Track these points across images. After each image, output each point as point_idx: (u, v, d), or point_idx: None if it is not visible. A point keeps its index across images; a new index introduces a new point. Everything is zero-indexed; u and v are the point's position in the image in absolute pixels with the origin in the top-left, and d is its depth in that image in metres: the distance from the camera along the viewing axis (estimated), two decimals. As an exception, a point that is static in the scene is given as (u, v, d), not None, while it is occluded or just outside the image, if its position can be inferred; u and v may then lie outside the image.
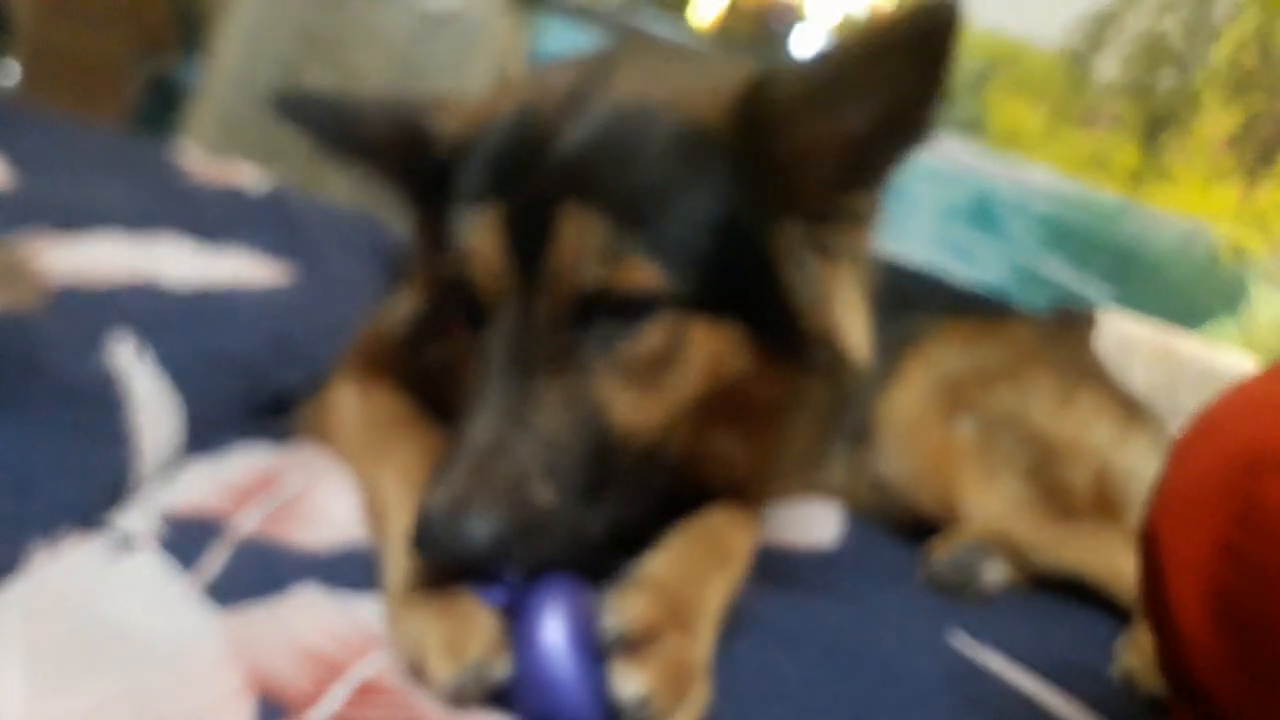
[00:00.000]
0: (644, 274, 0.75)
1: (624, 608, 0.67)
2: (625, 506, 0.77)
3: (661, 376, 0.78)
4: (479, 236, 0.77)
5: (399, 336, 0.94)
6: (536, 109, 0.80)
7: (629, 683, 0.63)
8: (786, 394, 0.87)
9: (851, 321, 0.85)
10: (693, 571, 0.77)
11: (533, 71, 0.94)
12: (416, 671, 0.64)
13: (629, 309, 0.76)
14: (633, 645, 0.65)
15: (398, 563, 0.72)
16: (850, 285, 0.85)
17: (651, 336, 0.76)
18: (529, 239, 0.75)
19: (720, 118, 0.79)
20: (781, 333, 0.82)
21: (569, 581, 0.68)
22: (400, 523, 0.76)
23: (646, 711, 0.62)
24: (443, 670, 0.63)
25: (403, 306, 0.93)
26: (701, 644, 0.72)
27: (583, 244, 0.74)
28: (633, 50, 0.93)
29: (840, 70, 0.77)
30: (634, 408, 0.76)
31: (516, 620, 0.66)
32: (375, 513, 0.81)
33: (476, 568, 0.67)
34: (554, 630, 0.64)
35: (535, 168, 0.77)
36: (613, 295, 0.75)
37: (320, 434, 0.97)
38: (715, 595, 0.78)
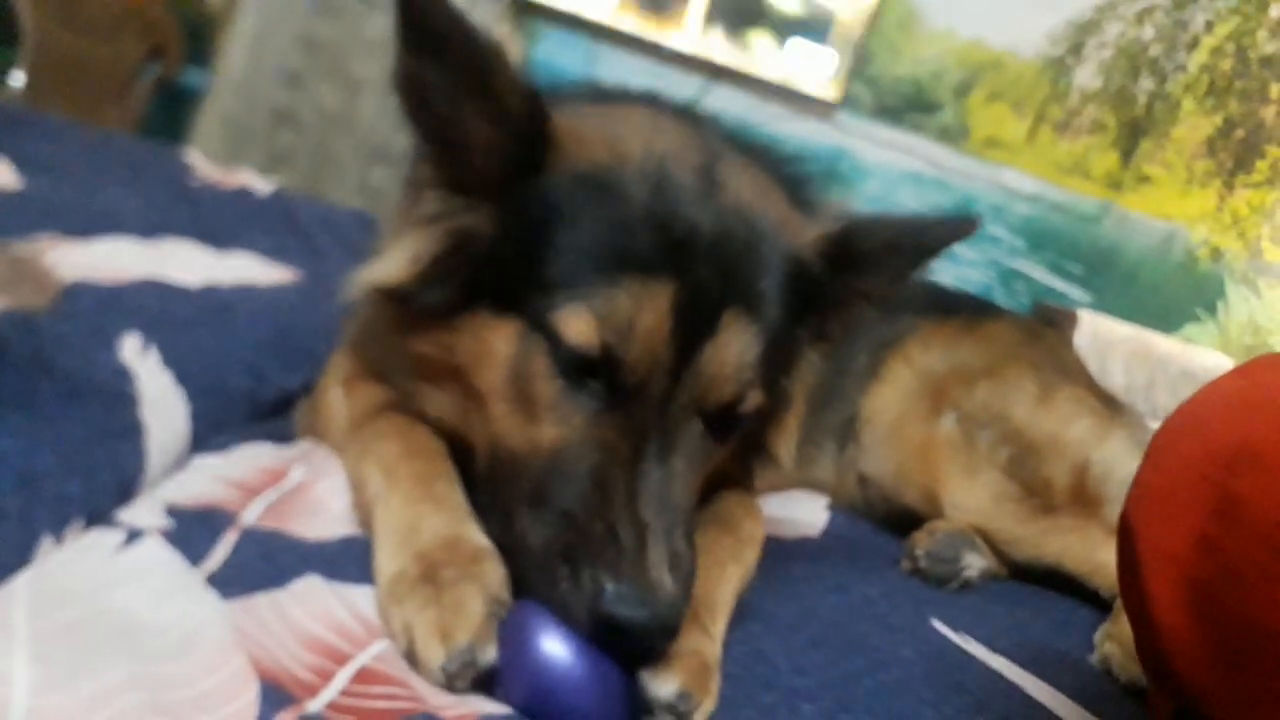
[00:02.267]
0: (759, 397, 0.81)
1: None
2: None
3: (710, 470, 0.84)
4: (650, 315, 0.74)
5: (356, 296, 0.87)
6: (673, 179, 0.79)
7: (664, 685, 0.67)
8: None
9: (792, 433, 0.94)
10: (712, 565, 0.81)
11: (630, 119, 0.88)
12: (408, 656, 0.66)
13: (738, 418, 0.80)
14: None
15: (388, 554, 0.74)
16: (799, 402, 0.94)
17: (732, 446, 0.84)
18: (691, 330, 0.75)
19: (817, 256, 0.85)
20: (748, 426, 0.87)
21: None
22: (386, 514, 0.77)
23: (684, 707, 0.66)
24: (432, 654, 0.64)
25: (383, 270, 0.84)
26: (718, 639, 0.76)
27: (743, 354, 0.77)
28: (711, 126, 0.96)
29: (896, 243, 0.90)
30: (694, 491, 0.80)
31: (509, 616, 0.68)
32: (362, 505, 0.82)
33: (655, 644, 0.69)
34: (545, 625, 0.66)
35: (698, 256, 0.76)
36: (740, 407, 0.80)
37: (315, 432, 0.98)
38: (730, 589, 0.82)
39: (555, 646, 0.65)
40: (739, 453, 0.90)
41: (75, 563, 0.70)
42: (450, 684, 0.64)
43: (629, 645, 0.67)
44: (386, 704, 0.62)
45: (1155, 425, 1.22)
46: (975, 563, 1.21)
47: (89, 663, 0.59)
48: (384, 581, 0.72)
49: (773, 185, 0.90)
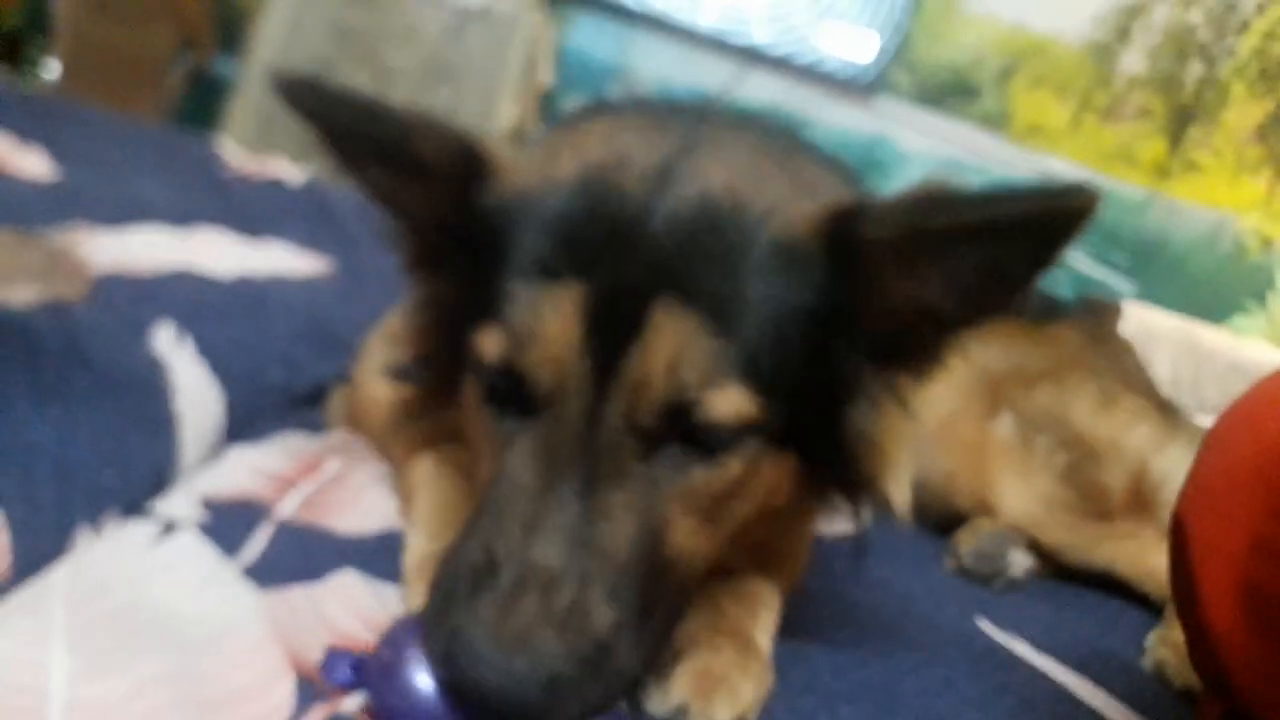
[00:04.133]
0: (741, 402, 0.66)
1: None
2: (661, 630, 0.68)
3: (723, 506, 0.70)
4: (549, 321, 0.65)
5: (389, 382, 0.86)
6: (613, 179, 0.69)
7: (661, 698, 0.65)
8: (813, 510, 0.82)
9: (900, 474, 0.77)
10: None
11: (592, 130, 0.78)
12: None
13: (710, 431, 0.66)
14: None
15: (416, 542, 0.76)
16: (905, 438, 0.76)
17: (730, 469, 0.68)
18: (609, 333, 0.65)
19: (812, 241, 0.69)
20: (826, 466, 0.74)
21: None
22: (424, 503, 0.78)
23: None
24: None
25: (387, 355, 0.83)
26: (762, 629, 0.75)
27: (680, 352, 0.64)
28: (707, 128, 0.78)
29: (940, 232, 0.67)
30: (690, 534, 0.68)
31: (380, 663, 0.62)
32: (404, 494, 0.84)
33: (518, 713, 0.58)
34: (424, 682, 0.59)
35: (622, 250, 0.66)
36: (700, 415, 0.65)
37: (352, 420, 0.99)
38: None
39: (422, 679, 0.59)
40: (808, 494, 0.77)
41: (112, 554, 0.70)
42: None
43: (488, 711, 0.57)
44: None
45: (1203, 417, 1.19)
46: (1020, 561, 1.19)
47: (125, 654, 0.59)
48: (416, 556, 0.74)
49: (782, 174, 0.75)
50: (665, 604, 0.67)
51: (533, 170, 0.72)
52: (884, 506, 0.77)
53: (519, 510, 0.63)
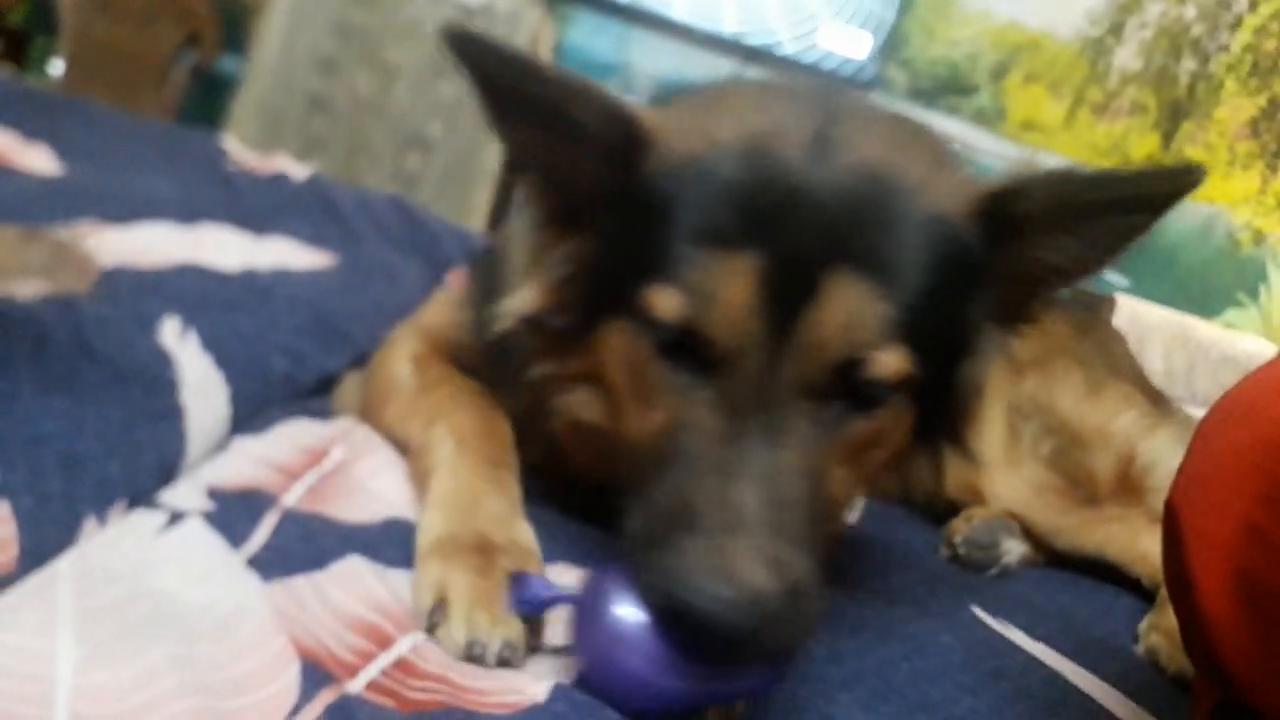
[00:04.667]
0: (901, 361, 0.72)
1: None
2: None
3: (869, 454, 0.77)
4: (729, 286, 0.70)
5: (494, 335, 0.87)
6: (776, 149, 0.74)
7: None
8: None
9: (988, 425, 0.86)
10: None
11: (736, 100, 0.83)
12: (430, 612, 0.68)
13: (872, 387, 0.72)
14: None
15: (442, 516, 0.76)
16: (998, 391, 0.87)
17: (883, 421, 0.75)
18: (784, 296, 0.70)
19: (968, 217, 0.77)
20: (934, 417, 0.81)
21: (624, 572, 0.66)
22: (451, 481, 0.79)
23: None
24: (468, 619, 0.66)
25: (518, 302, 0.85)
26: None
27: (852, 316, 0.70)
28: (838, 99, 0.85)
29: (1083, 201, 0.77)
30: (841, 480, 0.75)
31: (582, 605, 0.66)
32: (421, 467, 0.85)
33: (739, 653, 0.62)
34: (628, 614, 0.63)
35: (794, 219, 0.71)
36: (866, 373, 0.71)
37: (367, 406, 1.00)
38: None
39: (626, 610, 0.62)
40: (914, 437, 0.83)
41: (118, 544, 0.71)
42: (467, 653, 0.65)
43: (704, 642, 0.61)
44: (424, 695, 0.62)
45: (1195, 410, 1.20)
46: (1014, 549, 1.20)
47: (131, 643, 0.59)
48: (431, 537, 0.74)
49: (918, 146, 0.82)
50: (822, 545, 0.70)
51: (690, 138, 0.76)
52: (968, 455, 0.86)
53: (710, 459, 0.68)
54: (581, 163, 0.78)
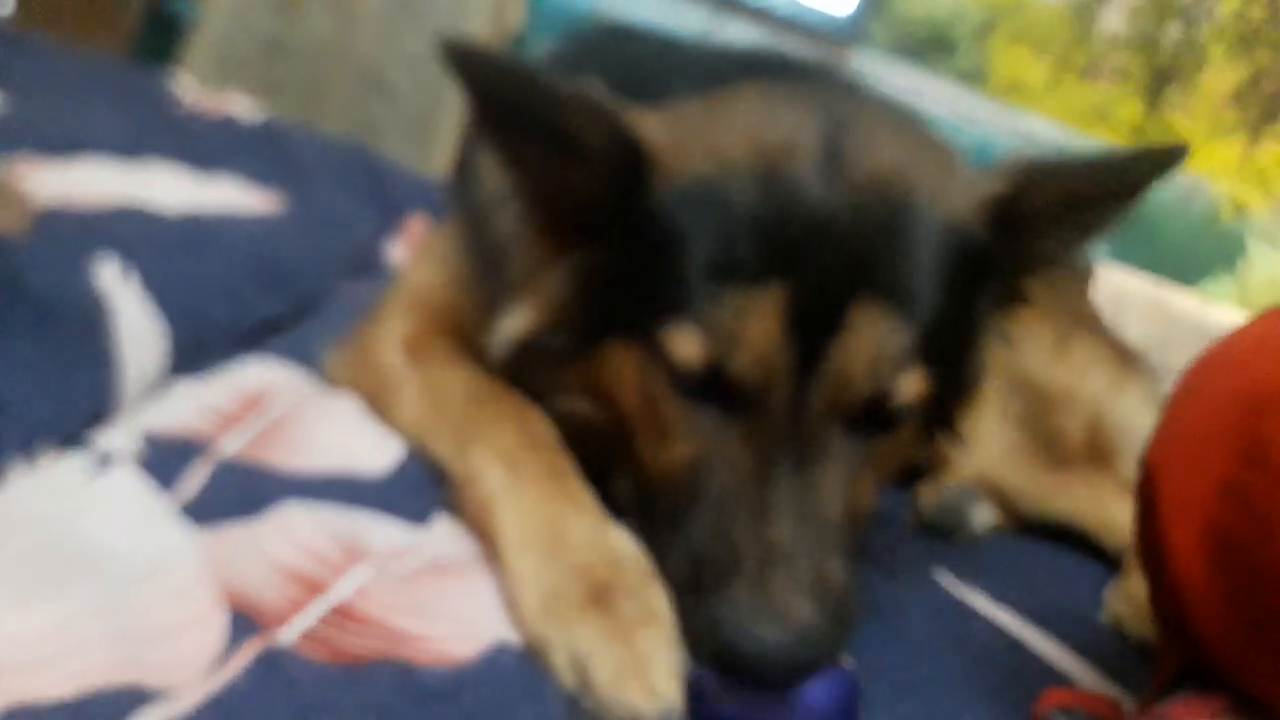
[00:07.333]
0: (919, 382, 0.73)
1: None
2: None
3: (891, 463, 0.80)
4: (755, 324, 0.69)
5: (498, 352, 0.84)
6: (786, 171, 0.73)
7: None
8: None
9: (985, 410, 0.88)
10: None
11: (736, 107, 0.79)
12: (577, 688, 0.61)
13: (894, 410, 0.73)
14: None
15: (533, 563, 0.69)
16: (995, 375, 0.88)
17: (903, 439, 0.78)
18: (811, 330, 0.69)
19: (979, 221, 0.77)
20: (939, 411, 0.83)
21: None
22: (519, 513, 0.72)
23: None
24: (633, 701, 0.60)
25: (515, 324, 0.82)
26: None
27: (881, 345, 0.71)
28: (836, 97, 0.84)
29: (1081, 191, 0.81)
30: (867, 491, 0.76)
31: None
32: (474, 502, 0.76)
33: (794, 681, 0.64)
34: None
35: (818, 249, 0.70)
36: (890, 400, 0.72)
37: (363, 393, 0.92)
38: None
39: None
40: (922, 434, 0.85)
41: (44, 488, 0.69)
42: None
43: (760, 681, 0.62)
44: (362, 643, 0.60)
45: (1170, 381, 1.19)
46: (982, 515, 1.19)
47: (53, 589, 0.58)
48: (536, 597, 0.66)
49: (921, 147, 0.81)
50: (854, 548, 0.73)
51: (695, 156, 0.74)
52: (953, 438, 0.87)
53: (744, 497, 0.69)
54: (583, 180, 0.76)
